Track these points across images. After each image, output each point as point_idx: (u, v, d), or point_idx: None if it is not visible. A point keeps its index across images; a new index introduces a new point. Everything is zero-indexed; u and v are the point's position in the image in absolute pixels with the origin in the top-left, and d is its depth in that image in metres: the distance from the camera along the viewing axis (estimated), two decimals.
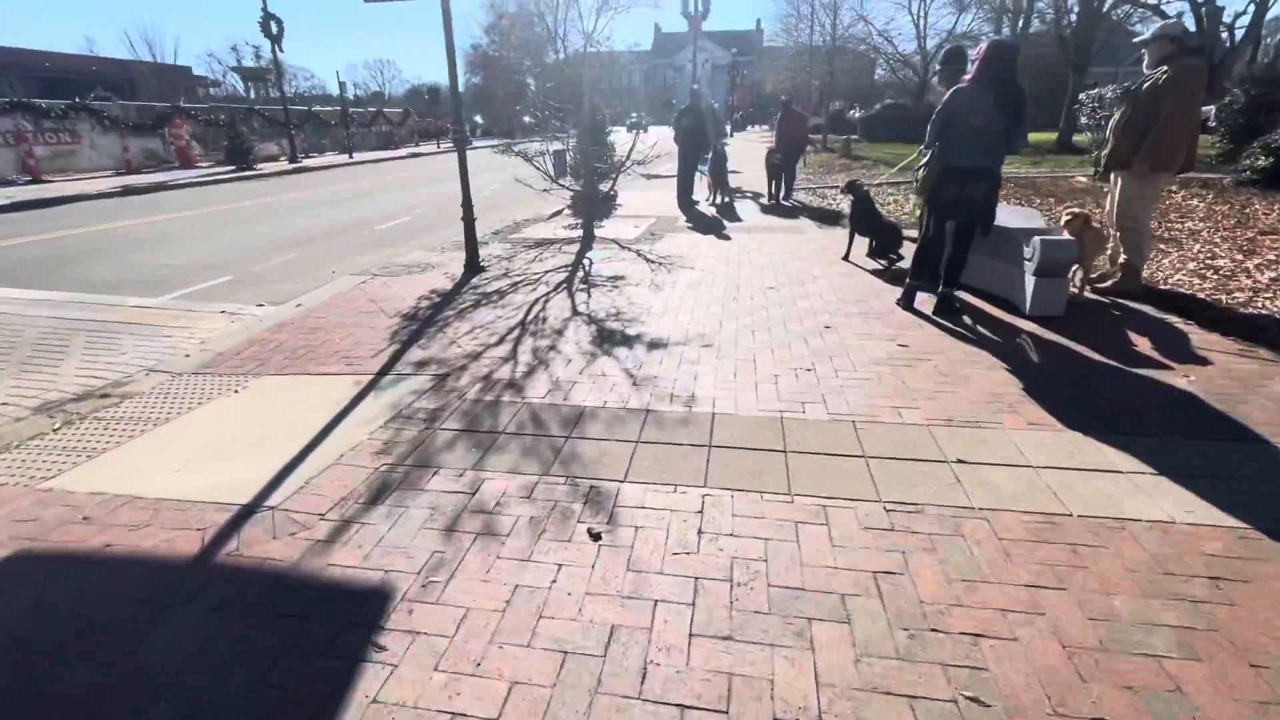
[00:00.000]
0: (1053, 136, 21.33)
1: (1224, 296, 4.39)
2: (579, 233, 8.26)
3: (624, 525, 2.23)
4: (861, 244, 6.19)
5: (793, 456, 2.66)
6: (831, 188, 12.58)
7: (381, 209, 11.56)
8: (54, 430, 3.27)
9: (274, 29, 21.73)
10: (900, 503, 2.32)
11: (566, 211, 9.94)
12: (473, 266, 6.21)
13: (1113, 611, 1.80)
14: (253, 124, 24.44)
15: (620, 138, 11.29)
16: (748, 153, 19.45)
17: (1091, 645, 1.69)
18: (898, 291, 5.04)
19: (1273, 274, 4.79)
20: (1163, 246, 5.82)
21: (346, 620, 1.84)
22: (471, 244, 6.19)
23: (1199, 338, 3.93)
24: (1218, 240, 5.92)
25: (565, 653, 1.71)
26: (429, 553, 2.12)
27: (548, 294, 5.34)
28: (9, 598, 2.00)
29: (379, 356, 4.04)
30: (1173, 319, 4.26)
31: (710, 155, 11.12)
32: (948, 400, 3.16)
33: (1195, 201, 7.98)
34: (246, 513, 2.40)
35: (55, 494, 2.60)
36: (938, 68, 4.73)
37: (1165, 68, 4.31)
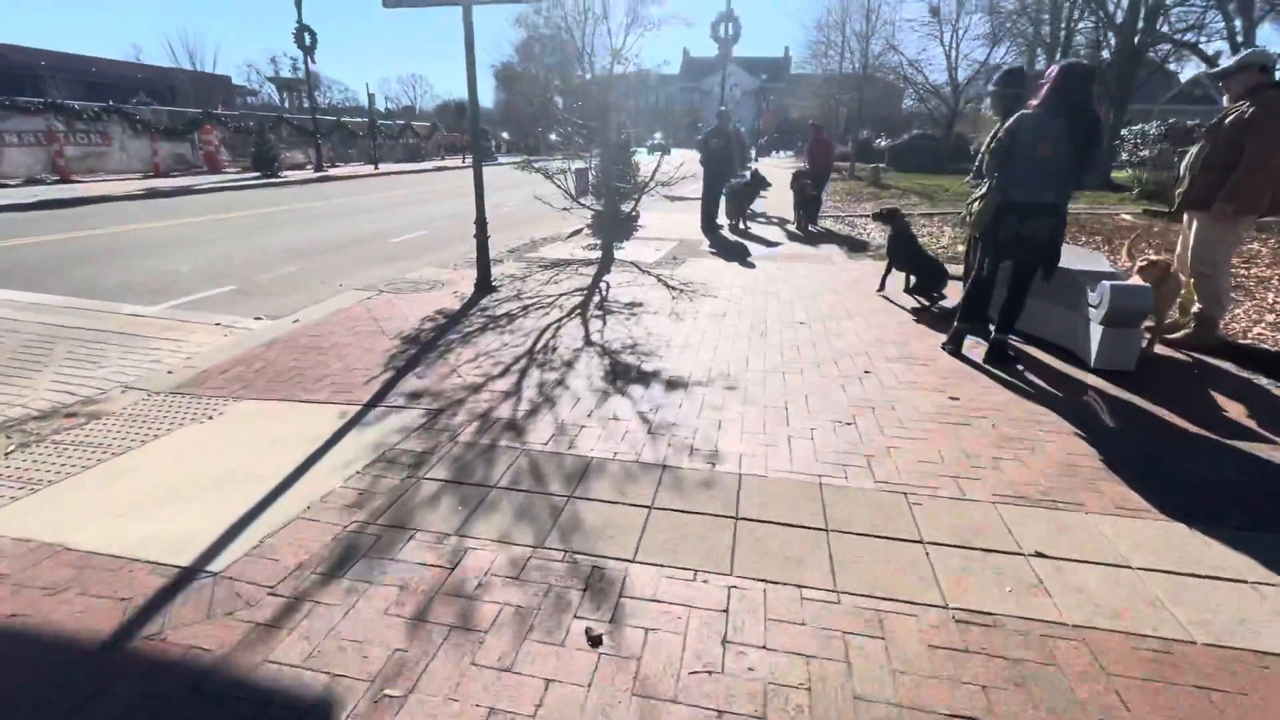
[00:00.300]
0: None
1: None
2: (598, 254, 7.93)
3: (631, 624, 1.82)
4: (896, 277, 5.77)
5: (836, 538, 2.23)
6: (860, 216, 12.19)
7: (399, 221, 11.37)
8: (5, 455, 2.94)
9: (307, 40, 22.04)
10: (973, 612, 1.87)
11: (586, 231, 9.64)
12: (484, 286, 5.88)
13: None
14: (281, 132, 24.71)
15: (643, 158, 11.02)
16: (772, 178, 19.13)
17: None
18: (939, 334, 4.60)
19: None
20: (1232, 295, 5.32)
21: None
22: (483, 263, 5.87)
23: None
24: None
25: None
26: (389, 651, 1.72)
27: (560, 320, 4.98)
28: None
29: (371, 384, 3.69)
30: (1260, 379, 3.77)
31: (743, 176, 10.80)
32: (1014, 470, 2.71)
33: (1257, 246, 7.45)
34: (184, 578, 2.02)
35: None
36: (990, 89, 4.34)
37: (1249, 101, 3.89)
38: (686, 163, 9.30)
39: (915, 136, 30.85)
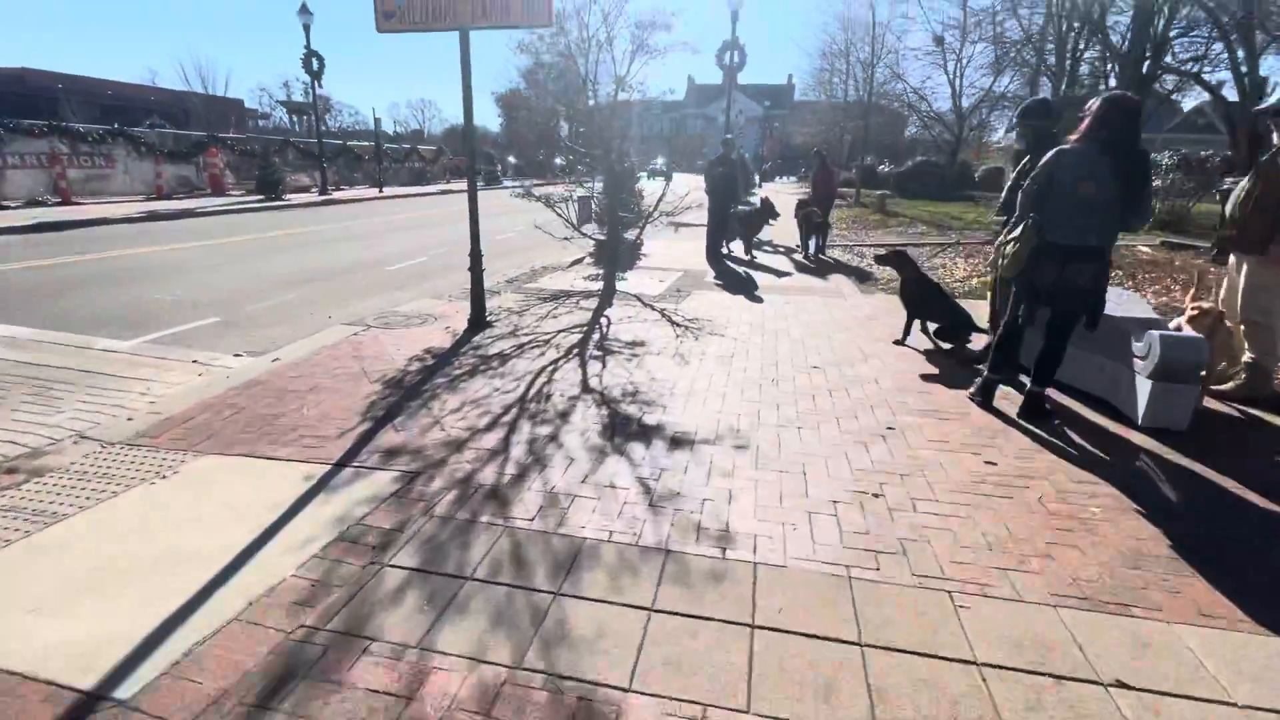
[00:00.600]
0: None
1: None
2: (599, 285, 7.63)
3: None
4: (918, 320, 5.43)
5: (872, 655, 1.86)
6: (868, 245, 11.92)
7: (398, 247, 11.14)
8: None
9: (315, 65, 22.17)
10: None
11: (588, 260, 9.38)
12: (478, 322, 5.57)
13: None
14: (287, 155, 24.79)
15: (646, 185, 10.82)
16: (777, 204, 18.95)
17: None
18: (965, 380, 4.26)
19: None
20: None
21: None
22: (478, 297, 5.57)
23: None
24: None
25: None
26: None
27: (556, 361, 4.65)
28: None
29: (345, 438, 3.35)
30: None
31: (750, 204, 10.57)
32: (1072, 560, 2.34)
33: None
34: (82, 710, 1.66)
35: None
36: (1017, 120, 4.05)
37: None
38: (691, 191, 9.06)
39: (919, 163, 30.79)
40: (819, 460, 3.12)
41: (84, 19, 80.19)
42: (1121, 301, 4.21)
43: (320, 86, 23.28)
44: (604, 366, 4.54)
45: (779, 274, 8.82)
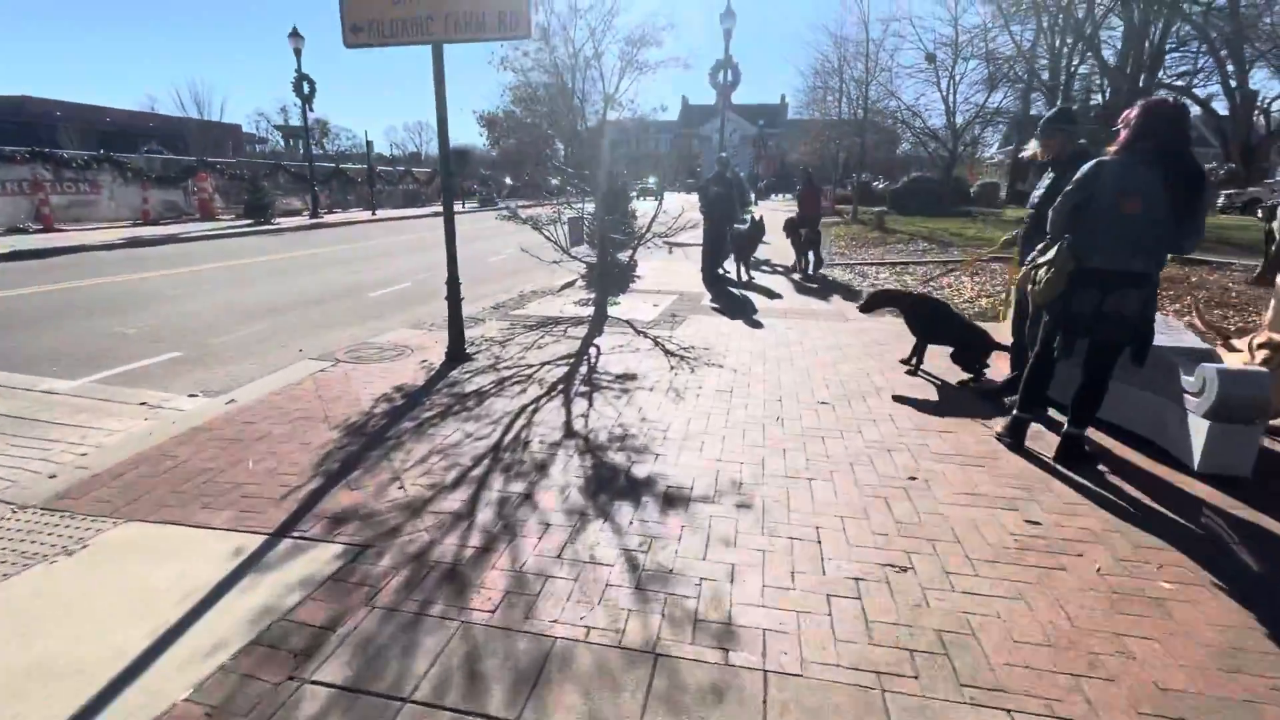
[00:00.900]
0: None
1: None
2: (590, 310, 7.25)
3: None
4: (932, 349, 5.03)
5: None
6: (870, 264, 11.59)
7: (383, 272, 10.78)
8: None
9: (305, 89, 22.04)
10: None
11: (579, 283, 9.00)
12: (456, 355, 5.16)
13: None
14: (278, 179, 24.57)
15: (639, 205, 10.51)
16: (770, 222, 18.71)
17: None
18: (988, 415, 3.85)
19: None
20: None
21: None
22: (456, 328, 5.16)
23: None
24: None
25: None
26: None
27: (538, 400, 4.23)
28: None
29: (290, 499, 2.92)
30: None
31: (744, 222, 10.26)
32: (1154, 659, 1.91)
33: None
34: None
35: None
36: (1041, 131, 3.68)
37: None
38: (685, 210, 8.72)
39: (914, 179, 30.66)
40: (834, 521, 2.70)
41: (84, 47, 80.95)
42: (1162, 328, 3.81)
43: (312, 110, 23.14)
44: (590, 405, 4.12)
45: (778, 296, 8.44)
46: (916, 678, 1.83)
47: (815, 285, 9.37)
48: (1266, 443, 3.42)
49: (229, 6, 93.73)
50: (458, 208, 31.11)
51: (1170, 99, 2.98)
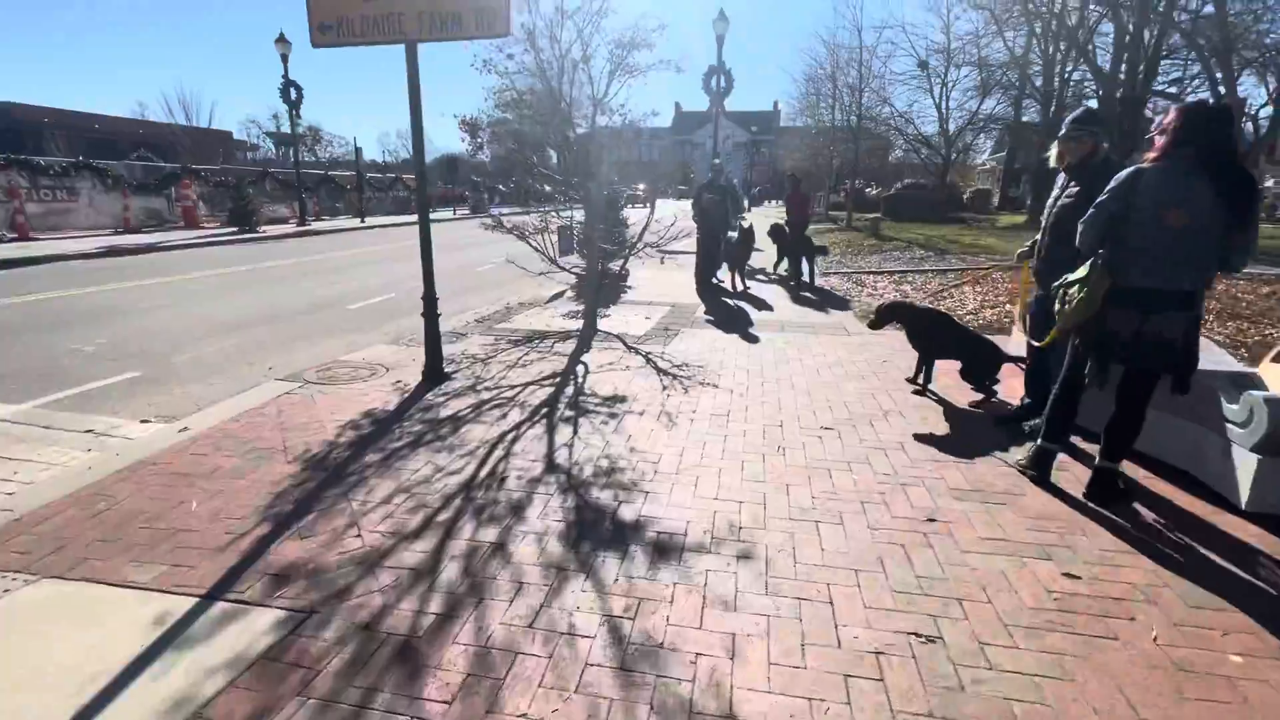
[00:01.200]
0: None
1: None
2: (579, 323, 6.93)
3: None
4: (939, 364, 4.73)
5: None
6: (868, 272, 11.32)
7: (367, 282, 10.42)
8: None
9: (293, 95, 21.70)
10: None
11: (569, 295, 8.69)
12: (433, 375, 4.83)
13: None
14: (265, 186, 24.18)
15: (629, 213, 10.23)
16: (760, 228, 18.47)
17: None
18: (1007, 442, 3.55)
19: None
20: None
21: None
22: (433, 346, 4.83)
23: None
24: None
25: None
26: None
27: (519, 426, 3.90)
28: None
29: (230, 550, 2.57)
30: None
31: (734, 234, 9.99)
32: None
33: None
34: None
35: None
36: (1065, 134, 3.38)
37: None
38: (678, 218, 8.43)
39: (908, 186, 30.60)
40: (848, 576, 2.38)
41: (75, 54, 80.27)
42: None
43: (299, 116, 22.78)
44: (575, 432, 3.80)
45: (775, 307, 8.15)
46: None
47: (813, 296, 9.08)
48: None
49: (223, 14, 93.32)
50: (447, 215, 30.88)
51: (1205, 101, 2.70)
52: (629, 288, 9.47)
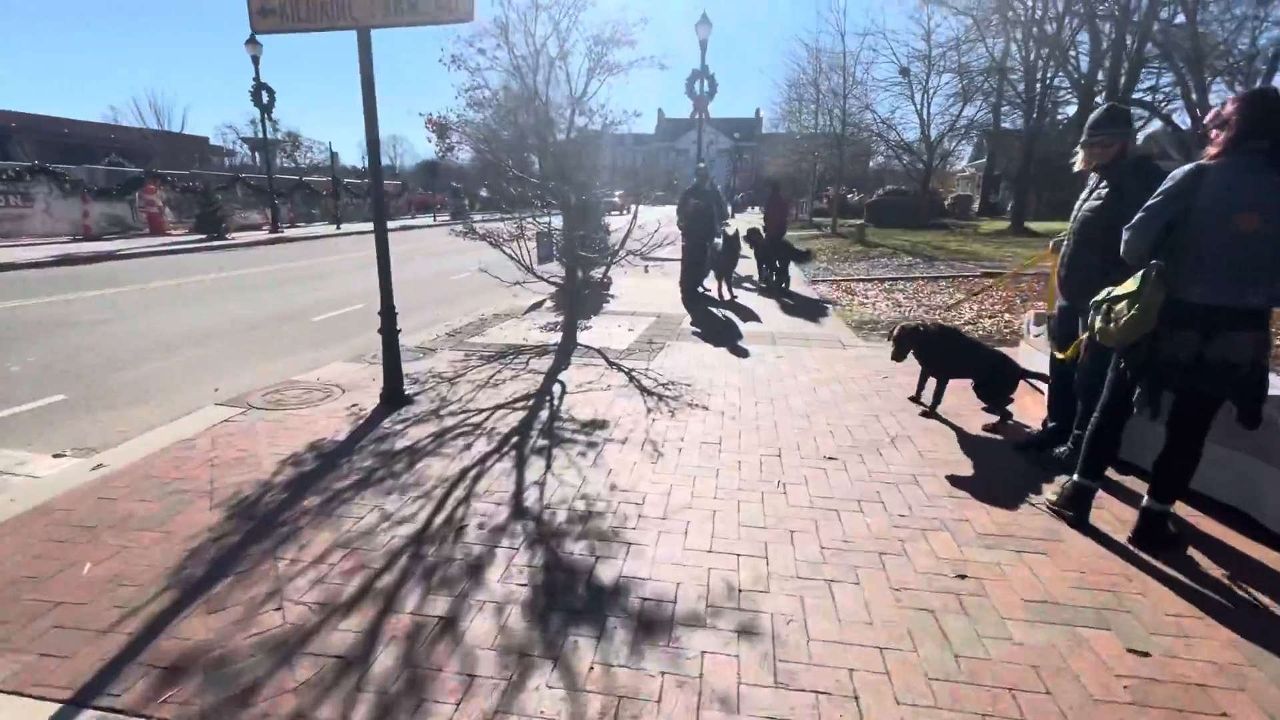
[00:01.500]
0: None
1: None
2: (558, 337, 6.49)
3: None
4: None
5: None
6: (857, 280, 11.02)
7: (335, 291, 9.89)
8: None
9: (264, 98, 21.05)
10: None
11: (548, 304, 8.24)
12: (393, 398, 4.35)
13: None
14: (236, 192, 23.44)
15: (611, 220, 9.84)
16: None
17: None
18: (1032, 475, 3.18)
19: None
20: None
21: None
22: (392, 366, 4.36)
23: None
24: None
25: None
26: None
27: (484, 460, 3.44)
28: None
29: (117, 632, 2.09)
30: None
31: (718, 241, 9.63)
32: None
33: None
34: None
35: None
36: (1096, 133, 3.03)
37: None
38: (661, 224, 8.03)
39: (890, 192, 30.56)
40: (872, 657, 1.96)
41: (46, 58, 78.22)
42: None
43: (272, 119, 22.14)
44: (549, 467, 3.35)
45: (764, 317, 7.77)
46: None
47: (803, 305, 8.72)
48: None
49: (198, 18, 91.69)
50: (427, 221, 30.23)
51: (1271, 89, 2.35)
52: (611, 297, 9.04)
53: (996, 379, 3.95)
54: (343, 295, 9.41)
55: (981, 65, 25.42)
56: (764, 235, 10.40)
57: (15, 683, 1.89)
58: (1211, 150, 2.26)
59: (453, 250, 15.32)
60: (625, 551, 2.54)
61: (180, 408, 4.50)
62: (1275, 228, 2.12)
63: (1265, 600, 2.26)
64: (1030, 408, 4.29)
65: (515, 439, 3.74)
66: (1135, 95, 22.55)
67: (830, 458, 3.48)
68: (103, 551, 2.58)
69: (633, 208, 7.42)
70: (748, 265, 11.55)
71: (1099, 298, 2.49)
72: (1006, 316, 7.43)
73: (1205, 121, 2.39)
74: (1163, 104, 23.57)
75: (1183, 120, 26.12)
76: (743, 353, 5.91)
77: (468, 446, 3.63)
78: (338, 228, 24.61)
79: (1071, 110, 25.42)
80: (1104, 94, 19.04)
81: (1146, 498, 2.58)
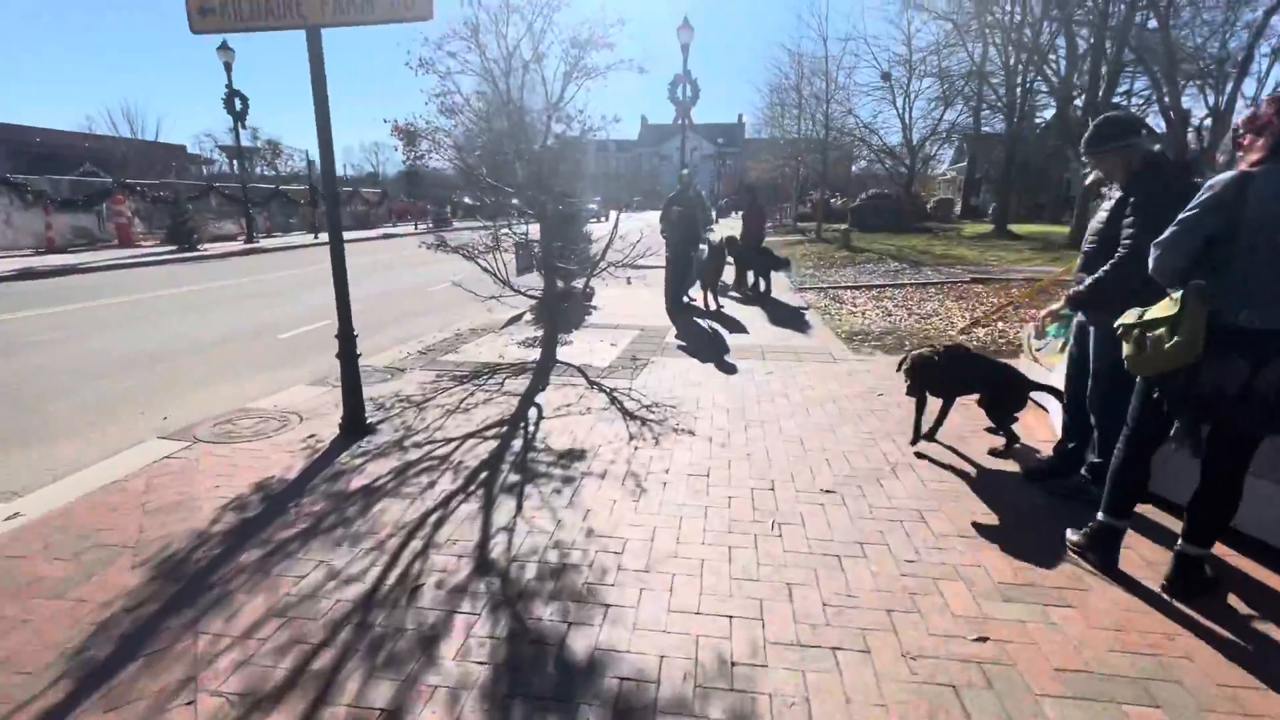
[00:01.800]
0: (1064, 230, 20.39)
1: None
2: (536, 353, 6.17)
3: None
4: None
5: None
6: (845, 287, 10.81)
7: (306, 305, 9.48)
8: None
9: (238, 105, 20.54)
10: None
11: (528, 318, 7.92)
12: (353, 427, 4.01)
13: None
14: (209, 201, 22.85)
15: (593, 228, 9.56)
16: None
17: None
18: (1045, 505, 2.92)
19: None
20: None
21: None
22: (352, 395, 4.02)
23: None
24: None
25: None
26: None
27: (448, 502, 3.12)
28: None
29: None
30: None
31: (703, 249, 9.38)
32: None
33: None
34: None
35: None
36: (1108, 145, 2.79)
37: None
38: (644, 233, 7.74)
39: (874, 196, 30.63)
40: None
41: (19, 66, 76.42)
42: None
43: (246, 127, 21.64)
44: (519, 509, 3.03)
45: (751, 329, 7.50)
46: None
47: (791, 315, 8.48)
48: None
49: (177, 24, 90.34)
50: (408, 229, 29.70)
51: None
52: (594, 308, 8.74)
53: (1008, 393, 3.69)
54: (313, 309, 9.01)
55: (962, 69, 25.57)
56: (740, 242, 10.24)
57: None
58: (1254, 156, 2.01)
59: (434, 260, 14.93)
60: (602, 615, 2.23)
61: (120, 441, 4.13)
62: None
63: None
64: (1034, 427, 4.06)
65: (484, 474, 3.42)
66: (1114, 100, 22.77)
67: (828, 491, 3.20)
68: None
69: (613, 215, 7.13)
70: (731, 273, 11.32)
71: (1128, 320, 2.23)
72: (1000, 325, 7.23)
73: (1237, 125, 2.15)
74: (1137, 107, 23.81)
75: (1158, 124, 26.47)
76: (730, 369, 5.63)
77: (431, 484, 3.30)
78: (315, 237, 24.06)
79: (1050, 113, 25.63)
80: (1082, 97, 19.13)
81: (1181, 541, 2.32)
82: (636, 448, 3.78)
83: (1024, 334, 4.50)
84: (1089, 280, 2.81)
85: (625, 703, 1.85)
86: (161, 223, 19.89)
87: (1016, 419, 3.83)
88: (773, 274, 10.21)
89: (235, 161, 31.33)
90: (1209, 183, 2.06)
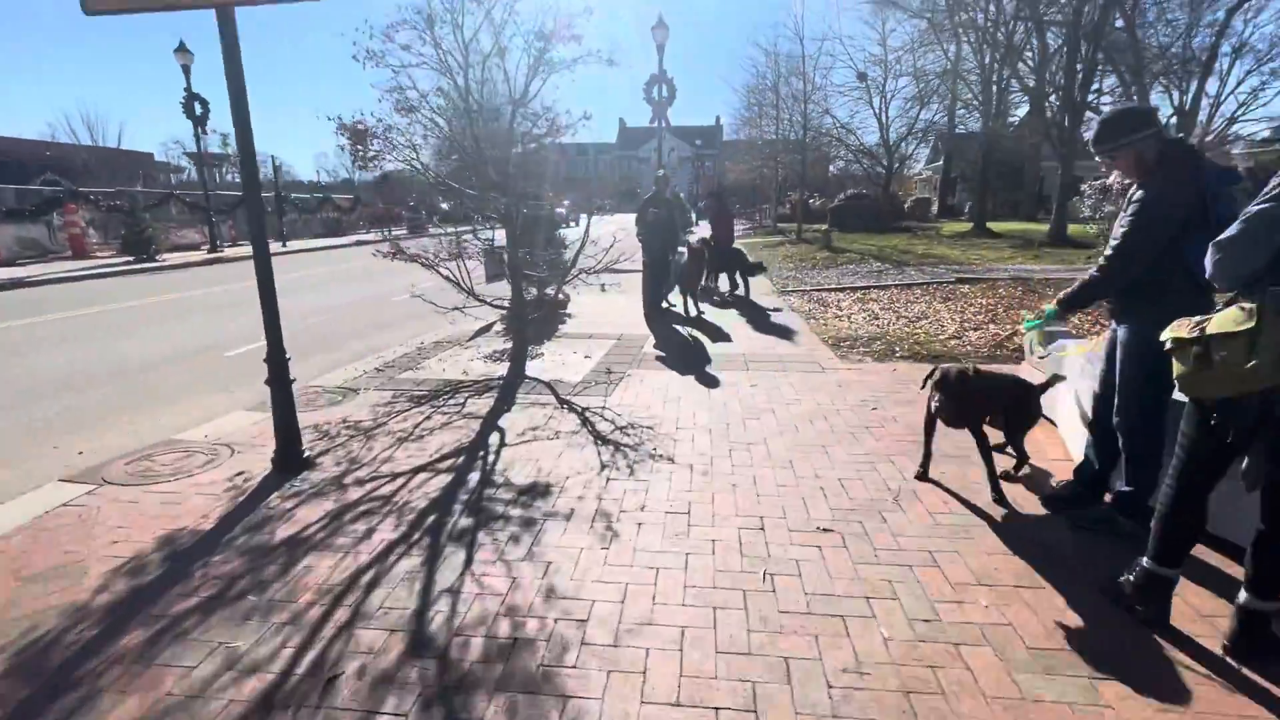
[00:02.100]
0: (1043, 228, 20.41)
1: None
2: (504, 367, 5.73)
3: None
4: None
5: None
6: (829, 289, 10.50)
7: (258, 320, 8.86)
8: None
9: (197, 110, 19.77)
10: None
11: (497, 328, 7.47)
12: (287, 463, 3.54)
13: None
14: (169, 209, 21.99)
15: (567, 233, 9.13)
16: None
17: None
18: (1073, 541, 2.57)
19: None
20: None
21: None
22: (285, 428, 3.54)
23: None
24: None
25: None
26: None
27: (387, 554, 2.67)
28: None
29: None
30: None
31: (682, 252, 9.01)
32: None
33: None
34: None
35: None
36: (1123, 139, 2.45)
37: None
38: (618, 238, 7.32)
39: (852, 196, 30.59)
40: None
41: None
42: None
43: (205, 132, 20.83)
44: (468, 564, 2.59)
45: (734, 336, 7.13)
46: None
47: (775, 321, 8.12)
48: None
49: (144, 33, 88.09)
50: (376, 237, 28.97)
51: None
52: (569, 316, 8.32)
53: (1022, 408, 3.30)
54: None
55: (937, 69, 25.61)
56: (710, 245, 9.95)
57: None
58: None
59: (400, 270, 14.40)
60: (559, 712, 1.81)
61: (19, 483, 3.60)
62: None
63: None
64: (1044, 444, 3.72)
65: (432, 518, 2.97)
66: (1088, 99, 22.97)
67: (825, 529, 2.81)
68: None
69: (582, 220, 6.71)
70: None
71: (1182, 334, 1.87)
72: (992, 328, 6.94)
73: None
74: (1109, 103, 24.05)
75: None
76: (712, 381, 5.23)
77: (369, 533, 2.84)
78: (283, 245, 23.31)
79: (1024, 111, 25.80)
80: (1058, 96, 19.17)
81: (1244, 593, 1.96)
82: (609, 479, 3.36)
83: (1026, 340, 4.14)
84: (1077, 281, 2.69)
85: None
86: (118, 233, 19.02)
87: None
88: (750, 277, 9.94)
89: (223, 168, 30.27)
90: None
